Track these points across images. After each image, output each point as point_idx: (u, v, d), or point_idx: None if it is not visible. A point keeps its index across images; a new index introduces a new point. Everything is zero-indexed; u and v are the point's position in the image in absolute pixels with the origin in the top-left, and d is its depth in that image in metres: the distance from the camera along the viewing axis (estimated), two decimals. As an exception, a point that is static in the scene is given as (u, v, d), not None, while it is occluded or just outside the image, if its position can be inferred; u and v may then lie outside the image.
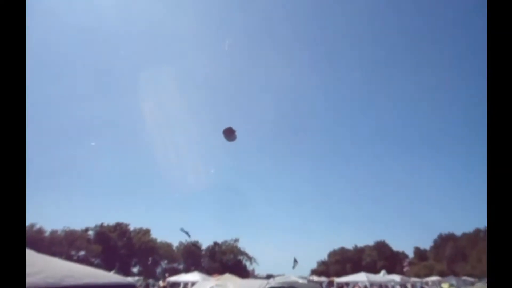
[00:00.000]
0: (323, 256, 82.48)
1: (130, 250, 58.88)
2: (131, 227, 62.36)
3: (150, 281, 32.89)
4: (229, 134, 10.69)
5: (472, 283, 33.88)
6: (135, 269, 60.65)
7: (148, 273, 54.20)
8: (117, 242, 57.38)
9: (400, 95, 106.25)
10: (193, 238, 70.35)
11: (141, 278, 33.98)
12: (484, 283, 28.72)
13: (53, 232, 50.52)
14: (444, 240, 72.14)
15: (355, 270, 43.14)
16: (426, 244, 79.87)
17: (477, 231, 67.27)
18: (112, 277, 4.71)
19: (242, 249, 70.47)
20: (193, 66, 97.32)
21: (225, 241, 71.05)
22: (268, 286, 7.23)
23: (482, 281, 31.87)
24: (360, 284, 25.42)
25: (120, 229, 59.98)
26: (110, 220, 61.07)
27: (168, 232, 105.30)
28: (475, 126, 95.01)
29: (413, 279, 36.92)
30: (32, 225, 47.42)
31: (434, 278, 42.68)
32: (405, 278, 34.76)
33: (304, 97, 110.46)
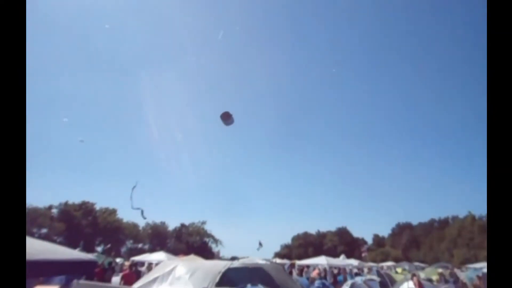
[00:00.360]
0: (287, 240, 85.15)
1: (95, 229, 58.03)
2: (97, 207, 61.39)
3: (119, 260, 32.68)
4: (226, 118, 10.87)
5: (423, 268, 36.27)
6: (99, 248, 59.91)
7: (112, 252, 53.87)
8: (81, 221, 56.36)
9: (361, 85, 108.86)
10: (160, 220, 70.43)
11: (103, 255, 33.53)
12: (433, 269, 31.00)
13: (14, 209, 48.82)
14: (401, 229, 76.35)
15: (317, 254, 44.94)
16: (385, 232, 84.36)
17: (432, 221, 71.76)
18: (73, 253, 4.96)
19: (208, 232, 71.43)
20: (192, 61, 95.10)
21: (192, 223, 71.63)
22: (231, 266, 7.72)
23: (432, 267, 34.29)
24: (320, 267, 26.52)
25: (86, 208, 58.82)
26: (76, 198, 59.83)
27: (135, 213, 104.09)
28: (433, 117, 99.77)
29: (370, 264, 38.97)
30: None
31: (389, 263, 45.29)
32: (362, 262, 36.70)
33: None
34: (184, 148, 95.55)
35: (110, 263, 16.29)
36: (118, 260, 32.79)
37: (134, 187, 11.54)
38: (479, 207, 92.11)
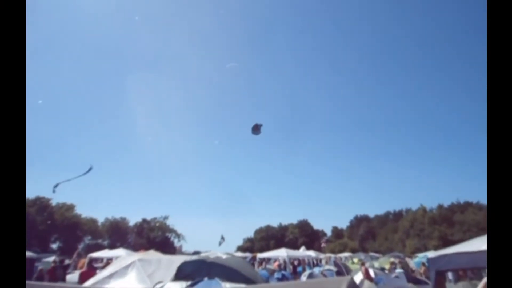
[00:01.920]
0: (250, 234, 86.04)
1: (51, 225, 55.44)
2: (53, 202, 58.54)
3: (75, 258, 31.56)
4: (256, 129, 12.51)
5: (377, 258, 38.14)
6: (54, 246, 57.49)
7: (69, 249, 51.75)
8: (35, 217, 53.57)
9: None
10: (120, 215, 68.55)
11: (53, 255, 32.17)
12: (386, 258, 32.77)
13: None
14: (358, 221, 79.65)
15: (278, 246, 45.80)
16: (344, 224, 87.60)
17: (388, 213, 75.51)
18: None
19: (171, 226, 70.61)
20: (193, 62, 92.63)
21: (154, 218, 70.44)
22: (187, 260, 7.79)
23: (385, 256, 36.19)
24: (280, 259, 27.15)
25: (41, 203, 55.96)
26: (29, 193, 56.58)
27: (94, 209, 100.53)
28: (391, 109, 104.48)
29: (328, 255, 40.43)
30: None
31: (346, 254, 47.18)
32: (320, 253, 38.06)
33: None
34: (148, 141, 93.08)
35: (62, 261, 15.78)
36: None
37: (88, 170, 11.53)
38: (430, 200, 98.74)
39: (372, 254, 44.91)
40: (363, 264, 19.15)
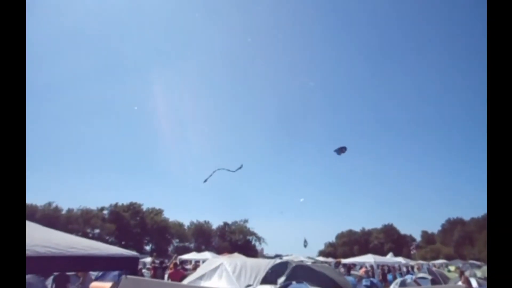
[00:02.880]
0: (331, 238, 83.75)
1: (143, 229, 60.64)
2: (144, 207, 64.08)
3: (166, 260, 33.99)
4: (341, 151, 13.58)
5: (479, 266, 34.20)
6: (147, 247, 62.56)
7: (160, 251, 55.92)
8: (130, 221, 59.14)
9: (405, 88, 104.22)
10: (204, 219, 72.10)
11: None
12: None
13: (70, 211, 52.40)
14: (452, 225, 72.36)
15: (362, 252, 43.80)
16: (434, 228, 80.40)
17: (485, 216, 67.25)
18: (114, 249, 5.22)
19: (251, 230, 72.11)
20: (196, 63, 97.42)
21: (235, 222, 72.66)
22: (275, 264, 7.72)
23: (488, 265, 32.24)
24: (367, 265, 25.90)
25: (134, 208, 61.64)
26: (124, 200, 62.98)
27: (180, 213, 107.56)
28: (478, 114, 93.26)
29: (420, 262, 37.40)
30: (50, 204, 49.33)
31: (440, 261, 43.18)
32: (410, 260, 35.30)
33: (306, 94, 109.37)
34: (219, 147, 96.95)
35: (162, 262, 16.91)
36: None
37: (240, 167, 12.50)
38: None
39: (471, 261, 40.47)
40: (462, 272, 17.17)
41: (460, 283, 14.46)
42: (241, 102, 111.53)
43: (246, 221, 72.02)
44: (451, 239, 67.77)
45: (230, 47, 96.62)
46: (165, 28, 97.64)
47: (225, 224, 72.24)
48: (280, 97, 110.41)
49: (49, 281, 8.44)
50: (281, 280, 6.70)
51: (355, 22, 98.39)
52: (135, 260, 4.95)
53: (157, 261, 16.74)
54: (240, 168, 12.55)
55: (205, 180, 12.90)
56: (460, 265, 35.99)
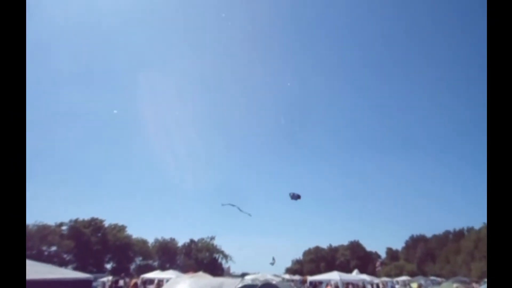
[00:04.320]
0: (298, 255, 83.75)
1: (104, 246, 57.78)
2: (106, 223, 61.18)
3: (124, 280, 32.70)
4: (295, 197, 14.10)
5: (439, 283, 35.21)
6: (108, 265, 59.67)
7: (121, 269, 53.48)
8: (90, 237, 56.17)
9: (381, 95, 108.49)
10: (170, 236, 70.06)
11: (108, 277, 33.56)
12: (450, 283, 30.00)
13: (24, 227, 49.08)
14: (415, 241, 74.61)
15: (329, 269, 44.05)
16: (398, 245, 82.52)
17: (447, 233, 70.00)
18: (69, 273, 4.85)
19: (218, 247, 70.88)
20: (192, 64, 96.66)
21: (202, 239, 71.15)
22: (241, 284, 7.43)
23: (448, 281, 33.21)
24: (332, 283, 25.95)
25: (95, 224, 58.69)
26: (85, 215, 59.75)
27: (143, 229, 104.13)
28: (444, 126, 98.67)
29: (384, 279, 38.00)
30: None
31: (404, 277, 44.12)
32: (375, 277, 35.80)
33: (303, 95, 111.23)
34: (189, 164, 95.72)
35: (116, 281, 16.06)
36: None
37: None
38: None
39: (433, 278, 41.74)
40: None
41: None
42: (208, 117, 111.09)
43: (213, 238, 70.83)
44: (415, 256, 69.73)
45: (228, 49, 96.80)
46: (158, 29, 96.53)
47: (192, 241, 70.54)
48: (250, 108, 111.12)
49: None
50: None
51: (357, 25, 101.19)
52: (88, 283, 4.59)
53: (112, 280, 15.88)
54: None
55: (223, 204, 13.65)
56: (423, 281, 36.94)
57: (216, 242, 71.07)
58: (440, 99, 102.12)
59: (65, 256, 51.29)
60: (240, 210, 13.75)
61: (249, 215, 13.13)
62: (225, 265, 69.11)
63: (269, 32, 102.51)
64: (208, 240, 70.89)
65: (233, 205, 13.65)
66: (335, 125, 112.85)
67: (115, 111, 79.37)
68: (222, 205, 13.39)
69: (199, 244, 70.36)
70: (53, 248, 50.88)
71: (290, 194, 14.17)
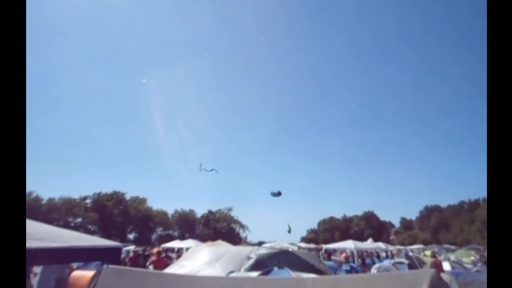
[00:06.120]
0: (313, 225, 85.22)
1: (126, 217, 60.14)
2: (128, 196, 63.48)
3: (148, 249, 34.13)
4: (276, 195, 14.74)
5: (453, 251, 35.53)
6: (131, 236, 62.28)
7: (144, 239, 55.80)
8: (113, 210, 58.53)
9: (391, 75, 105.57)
10: (188, 208, 72.14)
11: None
12: (464, 251, 30.28)
13: (51, 200, 51.35)
14: (429, 211, 74.78)
15: (343, 238, 44.77)
16: (413, 215, 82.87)
17: (462, 203, 69.75)
18: (97, 240, 5.25)
19: (235, 218, 72.63)
20: (196, 62, 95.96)
21: (219, 210, 72.97)
22: (258, 251, 7.88)
23: (462, 249, 33.52)
24: (347, 251, 26.49)
25: (117, 197, 60.90)
26: (107, 189, 62.15)
27: (163, 202, 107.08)
28: (464, 101, 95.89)
29: (398, 247, 38.56)
30: (30, 193, 48.24)
31: (417, 246, 44.67)
32: (389, 245, 36.38)
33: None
34: (206, 140, 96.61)
35: (143, 250, 16.89)
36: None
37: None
38: None
39: (447, 246, 42.05)
40: (434, 256, 17.88)
41: (428, 267, 15.10)
42: (229, 94, 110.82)
43: (230, 209, 72.57)
44: (429, 225, 70.09)
45: (232, 47, 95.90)
46: (164, 25, 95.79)
47: (210, 212, 72.49)
48: (269, 88, 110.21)
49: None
50: (263, 266, 6.86)
51: (354, 20, 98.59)
52: (117, 250, 5.02)
53: (139, 249, 16.74)
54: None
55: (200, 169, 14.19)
56: (436, 249, 37.34)
57: (233, 213, 72.93)
58: (458, 69, 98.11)
59: (90, 227, 53.80)
60: (216, 171, 14.76)
61: (216, 171, 14.28)
62: (242, 234, 70.98)
63: (272, 31, 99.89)
64: (226, 211, 72.78)
65: (211, 170, 14.53)
66: (348, 97, 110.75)
67: (144, 80, 79.68)
68: (200, 170, 14.29)
69: (217, 215, 72.29)
70: (79, 220, 53.39)
71: (271, 192, 14.93)
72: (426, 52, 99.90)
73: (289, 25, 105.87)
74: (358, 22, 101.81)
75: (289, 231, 34.89)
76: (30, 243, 3.54)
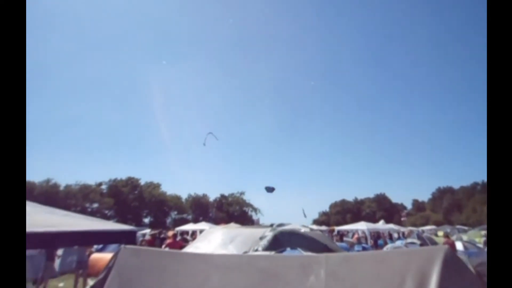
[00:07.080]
0: (325, 208, 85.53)
1: (141, 202, 61.32)
2: (142, 182, 64.63)
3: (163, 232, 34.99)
4: (270, 190, 15.37)
5: (465, 231, 35.38)
6: (146, 220, 63.56)
7: (159, 223, 56.91)
8: (128, 195, 59.72)
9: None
10: (201, 192, 73.10)
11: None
12: (477, 231, 30.12)
13: (68, 187, 52.58)
14: (442, 193, 74.03)
15: (355, 220, 44.94)
16: (425, 197, 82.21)
17: (475, 184, 68.70)
18: (112, 224, 5.44)
19: (247, 201, 73.45)
20: (197, 59, 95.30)
21: (232, 194, 73.81)
22: (271, 232, 8.01)
23: (475, 229, 33.30)
24: (359, 232, 26.63)
25: (132, 183, 62.03)
26: (122, 175, 63.66)
27: (177, 186, 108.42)
28: (472, 83, 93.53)
29: (410, 228, 38.57)
30: (48, 180, 49.51)
31: (429, 227, 44.56)
32: (401, 227, 36.42)
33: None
34: (217, 123, 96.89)
35: (159, 233, 17.33)
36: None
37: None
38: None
39: (459, 227, 41.85)
40: (447, 236, 17.85)
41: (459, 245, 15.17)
42: (239, 78, 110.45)
43: (242, 193, 73.36)
44: (441, 207, 69.56)
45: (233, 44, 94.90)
46: (166, 24, 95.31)
47: (222, 196, 73.32)
48: (279, 74, 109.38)
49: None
50: (276, 246, 6.99)
51: (351, 21, 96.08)
52: (133, 233, 5.23)
53: (156, 232, 17.19)
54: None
55: (204, 144, 14.86)
56: (448, 230, 37.24)
57: (245, 196, 73.78)
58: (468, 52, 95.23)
59: (106, 212, 55.12)
60: (217, 138, 15.70)
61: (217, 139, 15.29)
62: (254, 217, 71.67)
63: (271, 29, 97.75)
64: (238, 195, 73.58)
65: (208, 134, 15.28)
66: (361, 79, 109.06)
67: (164, 62, 79.95)
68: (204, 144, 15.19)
69: (230, 199, 73.15)
70: (95, 205, 54.71)
71: (265, 187, 15.40)
72: (439, 35, 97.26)
73: (289, 25, 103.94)
74: (358, 23, 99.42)
75: (305, 215, 35.43)
76: (53, 228, 3.74)
